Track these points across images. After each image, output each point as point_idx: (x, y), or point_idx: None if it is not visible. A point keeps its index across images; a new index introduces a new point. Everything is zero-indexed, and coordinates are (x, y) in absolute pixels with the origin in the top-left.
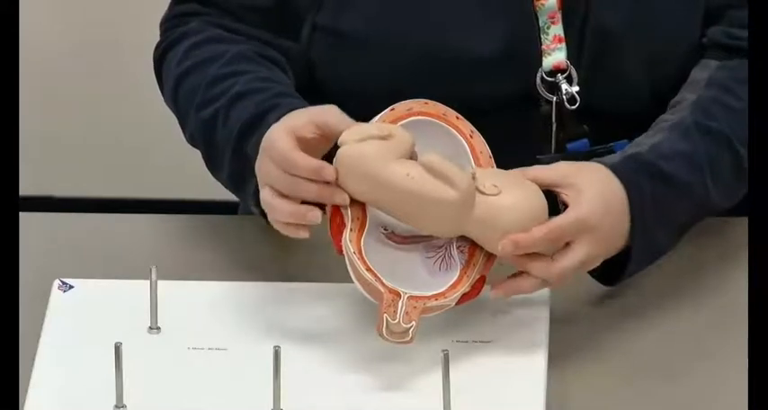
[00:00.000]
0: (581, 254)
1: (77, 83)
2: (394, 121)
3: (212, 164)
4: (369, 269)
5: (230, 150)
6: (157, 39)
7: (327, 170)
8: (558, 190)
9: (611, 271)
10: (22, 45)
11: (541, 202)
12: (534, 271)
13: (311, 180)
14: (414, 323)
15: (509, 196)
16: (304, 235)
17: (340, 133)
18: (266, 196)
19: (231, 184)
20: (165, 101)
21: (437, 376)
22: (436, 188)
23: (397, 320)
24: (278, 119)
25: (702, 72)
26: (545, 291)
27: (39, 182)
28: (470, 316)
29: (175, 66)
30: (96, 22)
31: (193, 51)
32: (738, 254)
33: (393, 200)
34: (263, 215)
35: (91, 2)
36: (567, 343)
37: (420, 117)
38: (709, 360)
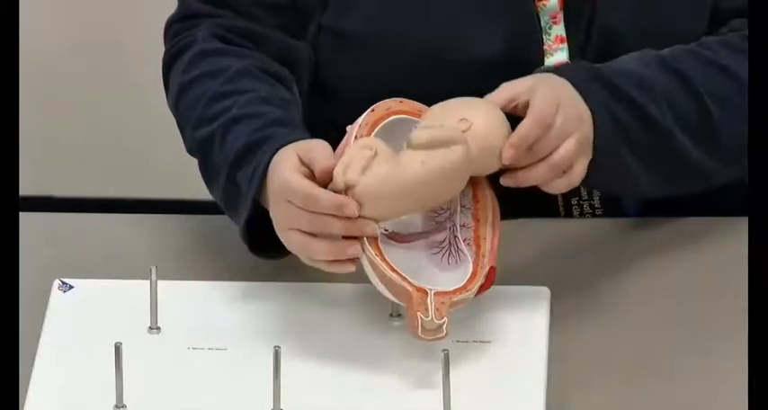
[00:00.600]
0: (562, 118)
1: (77, 83)
2: (376, 122)
3: (207, 181)
4: (394, 269)
5: (224, 175)
6: (158, 38)
7: (350, 207)
8: (515, 102)
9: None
10: (22, 45)
11: (499, 110)
12: (532, 159)
13: (335, 216)
14: (446, 318)
15: (478, 120)
16: (352, 268)
17: (323, 172)
18: (297, 239)
19: (223, 206)
20: (169, 106)
21: (437, 376)
22: (446, 154)
23: (430, 317)
24: (271, 154)
25: None
26: (545, 291)
27: (39, 182)
28: (470, 316)
29: (180, 75)
30: (96, 22)
31: (198, 62)
32: (738, 254)
33: (420, 195)
34: (251, 246)
35: (91, 2)
36: (567, 342)
37: (399, 116)
38: (710, 359)
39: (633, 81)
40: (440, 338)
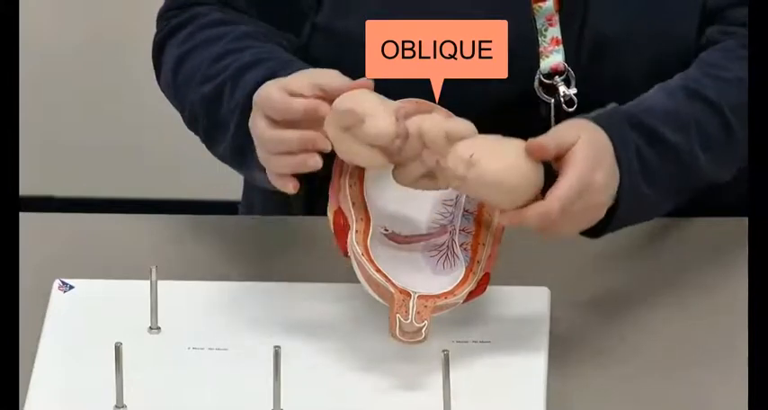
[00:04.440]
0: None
1: (77, 83)
2: None
3: (211, 135)
4: (378, 270)
5: (238, 114)
6: None
7: (323, 108)
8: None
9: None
10: (22, 45)
11: (525, 164)
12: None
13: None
14: (426, 322)
15: (492, 165)
16: (294, 188)
17: (340, 93)
18: (261, 152)
19: (232, 153)
20: (161, 84)
21: (437, 376)
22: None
23: (409, 320)
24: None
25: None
26: (545, 291)
27: (39, 182)
28: (470, 316)
29: (176, 48)
30: (96, 22)
31: (197, 33)
32: (738, 254)
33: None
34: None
35: (91, 2)
36: (567, 342)
37: None
38: (710, 360)
39: (662, 116)
40: (418, 341)
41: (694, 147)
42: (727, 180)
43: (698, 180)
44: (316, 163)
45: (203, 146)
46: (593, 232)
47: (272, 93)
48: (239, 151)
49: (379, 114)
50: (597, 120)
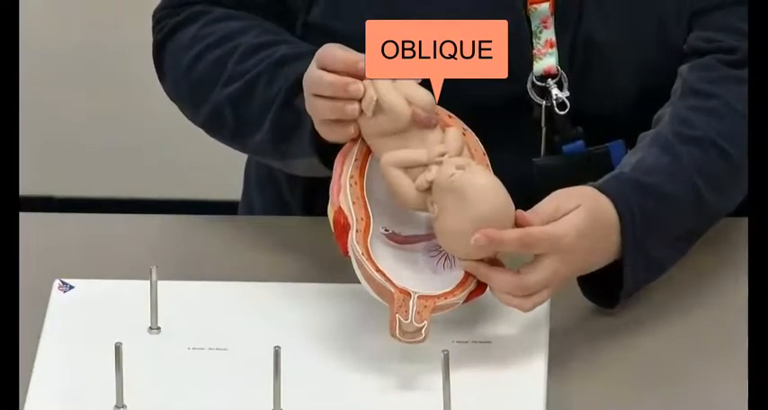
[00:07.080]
0: (548, 270)
1: (77, 83)
2: None
3: (245, 129)
4: (378, 270)
5: (279, 104)
6: None
7: (355, 85)
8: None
9: (612, 292)
10: (22, 45)
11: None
12: (496, 283)
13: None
14: (426, 322)
15: (482, 176)
16: (347, 135)
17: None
18: (306, 98)
19: (273, 140)
20: (166, 84)
21: (437, 376)
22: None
23: (409, 320)
24: None
25: (678, 79)
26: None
27: (39, 182)
28: (470, 316)
29: (185, 47)
30: (96, 22)
31: (208, 29)
32: (738, 254)
33: None
34: (321, 156)
35: (91, 2)
36: (567, 342)
37: None
38: (710, 360)
39: (663, 173)
40: (418, 341)
41: (700, 190)
42: (734, 209)
43: (710, 219)
44: (351, 110)
45: (203, 146)
46: (609, 301)
47: (331, 46)
48: (278, 136)
49: (392, 95)
50: (602, 188)
